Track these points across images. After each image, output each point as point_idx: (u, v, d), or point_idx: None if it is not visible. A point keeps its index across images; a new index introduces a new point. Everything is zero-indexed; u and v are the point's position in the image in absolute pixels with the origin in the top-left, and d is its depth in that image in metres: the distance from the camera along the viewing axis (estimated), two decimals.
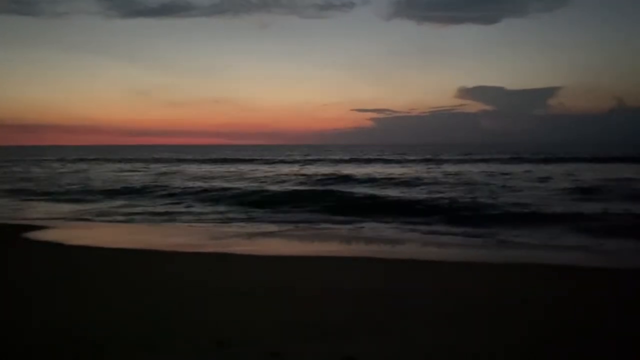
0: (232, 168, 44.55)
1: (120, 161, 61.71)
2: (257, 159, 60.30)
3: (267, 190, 23.60)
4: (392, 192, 22.50)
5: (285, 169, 42.42)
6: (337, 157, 62.47)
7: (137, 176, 35.21)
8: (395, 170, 37.40)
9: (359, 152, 78.78)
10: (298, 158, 62.28)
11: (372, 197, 20.23)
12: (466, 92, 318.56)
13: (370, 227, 14.45)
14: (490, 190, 22.41)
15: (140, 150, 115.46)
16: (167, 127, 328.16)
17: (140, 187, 26.40)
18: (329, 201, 19.33)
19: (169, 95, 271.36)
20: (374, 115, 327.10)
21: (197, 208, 19.28)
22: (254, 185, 26.62)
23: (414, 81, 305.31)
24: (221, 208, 19.29)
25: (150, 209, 18.78)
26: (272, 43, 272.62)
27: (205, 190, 24.25)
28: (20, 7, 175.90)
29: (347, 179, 29.26)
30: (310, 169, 40.81)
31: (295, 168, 43.38)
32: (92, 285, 7.83)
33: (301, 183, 28.22)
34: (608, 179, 25.84)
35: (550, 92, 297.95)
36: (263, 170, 40.65)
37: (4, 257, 10.46)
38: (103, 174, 37.83)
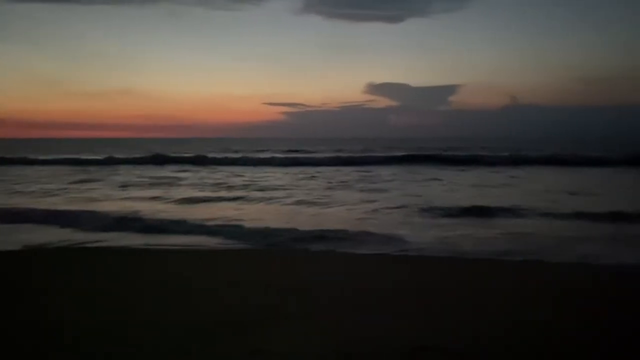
0: None
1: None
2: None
3: None
4: None
5: None
6: None
7: None
8: None
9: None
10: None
11: None
12: (374, 88, 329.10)
13: None
14: None
15: (61, 144, 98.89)
16: (75, 119, 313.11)
17: None
18: None
19: (75, 85, 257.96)
20: (286, 109, 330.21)
21: None
22: None
23: (325, 76, 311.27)
24: None
25: None
26: (184, 35, 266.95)
27: None
28: None
29: None
30: None
31: None
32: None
33: None
34: None
35: (452, 89, 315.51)
36: None
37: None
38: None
